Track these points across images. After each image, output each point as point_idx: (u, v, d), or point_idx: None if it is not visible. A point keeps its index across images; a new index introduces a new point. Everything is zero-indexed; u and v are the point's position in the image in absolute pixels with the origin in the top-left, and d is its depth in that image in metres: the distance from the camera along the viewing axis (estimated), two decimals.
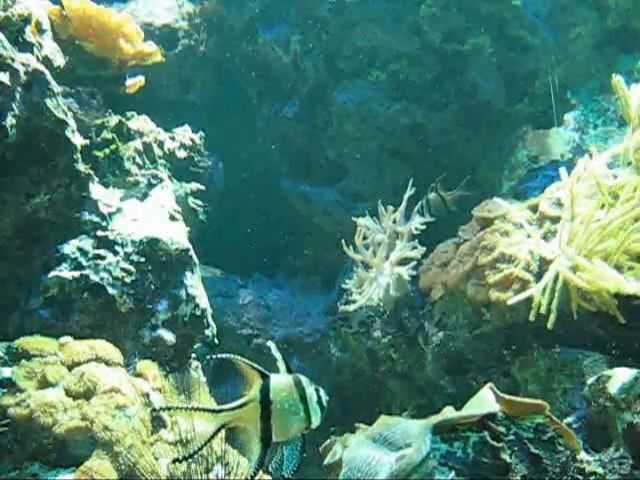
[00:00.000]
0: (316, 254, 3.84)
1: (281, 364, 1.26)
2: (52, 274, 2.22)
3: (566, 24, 3.40)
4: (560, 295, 1.86)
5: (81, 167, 2.34)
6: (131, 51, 2.84)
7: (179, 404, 1.89)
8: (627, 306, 1.84)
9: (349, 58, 3.56)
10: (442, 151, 3.46)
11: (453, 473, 1.35)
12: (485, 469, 1.36)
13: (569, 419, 1.64)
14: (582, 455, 1.46)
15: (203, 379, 2.49)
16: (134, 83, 2.96)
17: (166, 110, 3.45)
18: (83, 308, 2.22)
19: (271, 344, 1.28)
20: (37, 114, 2.17)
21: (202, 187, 3.24)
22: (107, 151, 2.66)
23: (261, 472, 1.21)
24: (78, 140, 2.34)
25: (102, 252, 2.31)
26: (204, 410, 1.24)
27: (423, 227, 2.78)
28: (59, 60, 2.55)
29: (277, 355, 1.26)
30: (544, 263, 2.06)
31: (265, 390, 1.21)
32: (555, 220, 2.15)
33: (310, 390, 1.23)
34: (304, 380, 1.24)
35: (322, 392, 1.25)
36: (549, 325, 1.84)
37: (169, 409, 1.39)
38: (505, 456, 1.37)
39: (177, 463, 1.29)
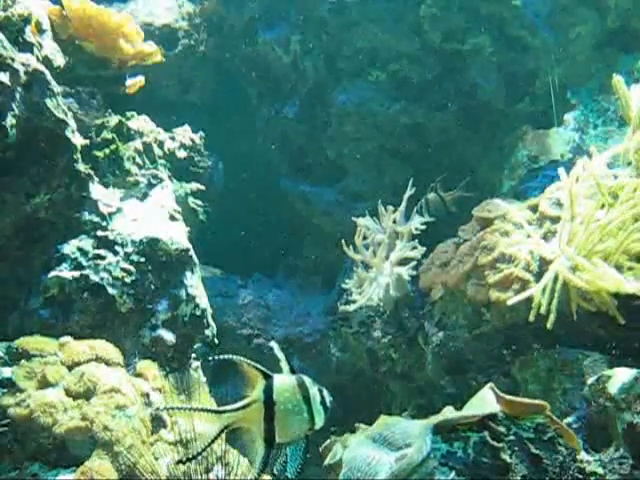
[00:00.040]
0: (316, 254, 3.84)
1: (284, 364, 1.25)
2: (52, 274, 2.22)
3: (566, 24, 3.40)
4: (560, 295, 1.86)
5: (81, 167, 2.34)
6: (131, 51, 2.84)
7: (179, 404, 1.89)
8: (627, 306, 1.83)
9: (349, 58, 3.56)
10: (442, 151, 3.46)
11: (453, 473, 1.35)
12: (485, 469, 1.36)
13: (569, 419, 1.65)
14: (582, 455, 1.46)
15: (203, 379, 2.49)
16: (134, 83, 2.96)
17: (166, 110, 3.45)
18: (83, 308, 2.22)
19: (274, 344, 1.27)
20: (37, 114, 2.17)
21: (202, 187, 3.24)
22: (107, 151, 2.66)
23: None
24: (78, 140, 2.34)
25: (102, 252, 2.31)
26: (208, 411, 1.23)
27: (423, 227, 2.78)
28: (59, 60, 2.55)
29: (280, 355, 1.26)
30: (544, 263, 2.06)
31: (268, 391, 1.20)
32: (555, 220, 2.14)
33: (314, 391, 1.23)
34: (307, 381, 1.24)
35: (325, 393, 1.24)
36: (549, 325, 1.84)
37: (173, 409, 1.39)
38: (505, 456, 1.37)
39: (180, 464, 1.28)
